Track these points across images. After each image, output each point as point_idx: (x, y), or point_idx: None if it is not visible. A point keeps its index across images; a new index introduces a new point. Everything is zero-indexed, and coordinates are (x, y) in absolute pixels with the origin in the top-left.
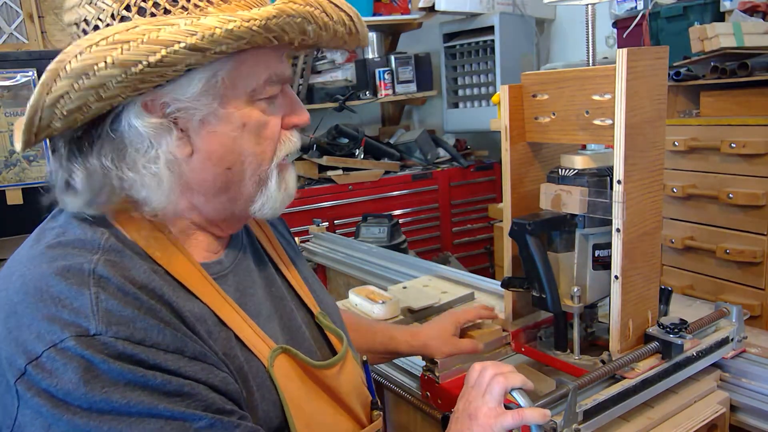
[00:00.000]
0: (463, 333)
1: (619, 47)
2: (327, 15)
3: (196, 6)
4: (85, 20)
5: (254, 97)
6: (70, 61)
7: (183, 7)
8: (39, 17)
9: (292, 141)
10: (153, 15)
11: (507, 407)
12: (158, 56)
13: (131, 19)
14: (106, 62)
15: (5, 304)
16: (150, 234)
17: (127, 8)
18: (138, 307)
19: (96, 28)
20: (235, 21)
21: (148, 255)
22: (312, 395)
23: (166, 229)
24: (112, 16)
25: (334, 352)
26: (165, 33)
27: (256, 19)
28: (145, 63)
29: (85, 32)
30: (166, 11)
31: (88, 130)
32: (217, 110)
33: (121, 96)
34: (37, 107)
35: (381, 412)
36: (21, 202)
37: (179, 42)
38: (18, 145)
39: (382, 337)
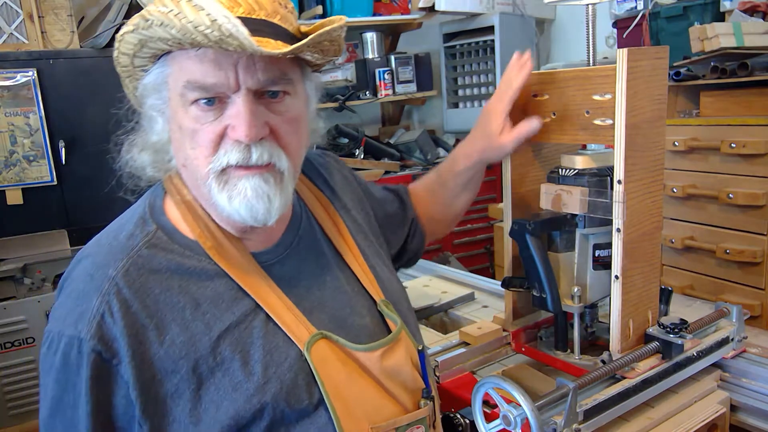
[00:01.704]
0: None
1: (619, 47)
2: (185, 17)
3: None
4: None
5: (184, 102)
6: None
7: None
8: (39, 17)
9: (228, 151)
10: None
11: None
12: (117, 45)
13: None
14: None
15: (67, 283)
16: (205, 226)
17: None
18: (128, 327)
19: None
20: (120, 33)
21: (200, 246)
22: (354, 378)
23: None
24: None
25: None
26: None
27: (122, 32)
28: (117, 45)
29: None
30: None
31: None
32: (166, 109)
33: (127, 80)
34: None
35: (430, 402)
36: (21, 202)
37: (119, 35)
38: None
39: (450, 182)
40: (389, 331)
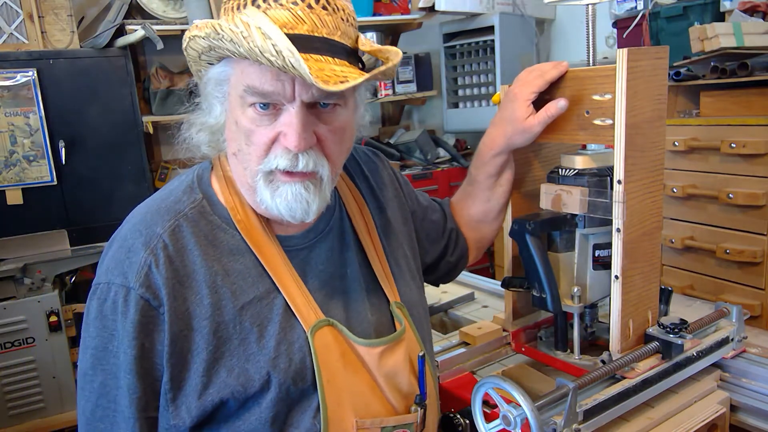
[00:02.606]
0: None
1: (619, 47)
2: (253, 41)
3: (258, 6)
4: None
5: (243, 102)
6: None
7: (256, 5)
8: (39, 17)
9: (278, 157)
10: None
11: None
12: (187, 39)
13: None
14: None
15: (118, 236)
16: (240, 202)
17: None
18: (170, 279)
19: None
20: (192, 32)
21: (231, 218)
22: (350, 369)
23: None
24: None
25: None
26: (202, 23)
27: (193, 34)
28: (187, 39)
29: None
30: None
31: None
32: (225, 102)
33: (195, 68)
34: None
35: (421, 410)
36: (21, 202)
37: (191, 34)
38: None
39: (480, 174)
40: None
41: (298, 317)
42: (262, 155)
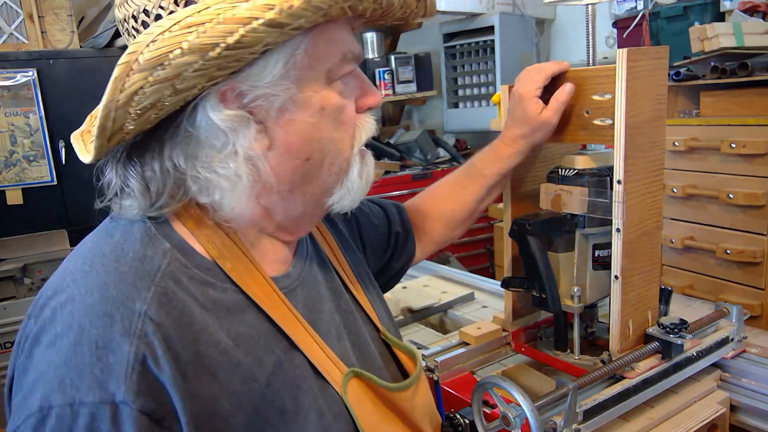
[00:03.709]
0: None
1: (619, 47)
2: None
3: None
4: (144, 11)
5: (331, 77)
6: (142, 52)
7: None
8: (39, 17)
9: (369, 124)
10: None
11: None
12: (237, 36)
13: (197, 2)
14: (181, 48)
15: (51, 329)
16: (222, 243)
17: None
18: (177, 374)
19: (158, 17)
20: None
21: (218, 266)
22: (387, 420)
23: (237, 238)
24: (175, 1)
25: (401, 370)
26: (241, 10)
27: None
28: (223, 45)
29: (145, 25)
30: None
31: (152, 131)
32: (295, 95)
33: (197, 87)
34: (110, 108)
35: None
36: (21, 202)
37: (257, 18)
38: (88, 157)
39: (488, 169)
40: (396, 362)
41: (324, 376)
42: (355, 131)
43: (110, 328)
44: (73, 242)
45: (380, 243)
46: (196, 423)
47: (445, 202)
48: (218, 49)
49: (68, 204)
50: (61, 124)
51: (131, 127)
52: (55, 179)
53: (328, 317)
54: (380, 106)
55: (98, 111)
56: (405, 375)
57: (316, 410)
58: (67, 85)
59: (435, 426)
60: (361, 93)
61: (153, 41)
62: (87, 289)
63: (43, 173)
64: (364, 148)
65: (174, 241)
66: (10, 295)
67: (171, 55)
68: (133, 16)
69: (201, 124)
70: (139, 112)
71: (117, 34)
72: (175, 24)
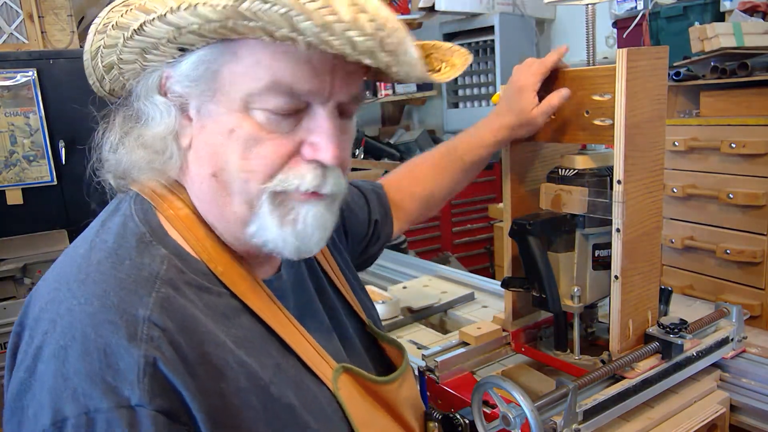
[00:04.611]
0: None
1: (619, 47)
2: (333, 13)
3: None
4: None
5: (250, 103)
6: (99, 16)
7: None
8: (39, 17)
9: (305, 175)
10: None
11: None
12: (138, 23)
13: None
14: (114, 24)
15: (52, 341)
16: (213, 247)
17: None
18: (188, 373)
19: None
20: (159, 6)
21: (211, 271)
22: (376, 413)
23: (227, 242)
24: None
25: (386, 363)
26: (151, 3)
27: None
28: (132, 29)
29: None
30: None
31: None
32: (208, 104)
33: (137, 63)
34: (86, 57)
35: (437, 423)
36: (21, 202)
37: (155, 11)
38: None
39: (468, 155)
40: (383, 353)
41: (317, 374)
42: (274, 172)
43: (116, 335)
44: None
45: (360, 231)
46: (211, 419)
47: (424, 184)
48: (130, 31)
49: (68, 204)
50: (61, 124)
51: (107, 79)
52: (55, 179)
53: (317, 316)
54: (337, 163)
55: None
56: (390, 367)
57: (316, 407)
58: (67, 85)
59: (418, 415)
60: (315, 140)
61: (108, 11)
62: (86, 299)
63: (43, 173)
64: (303, 197)
65: (170, 247)
66: (10, 295)
67: (108, 27)
68: None
69: (148, 102)
70: (104, 67)
71: None
72: (123, 3)
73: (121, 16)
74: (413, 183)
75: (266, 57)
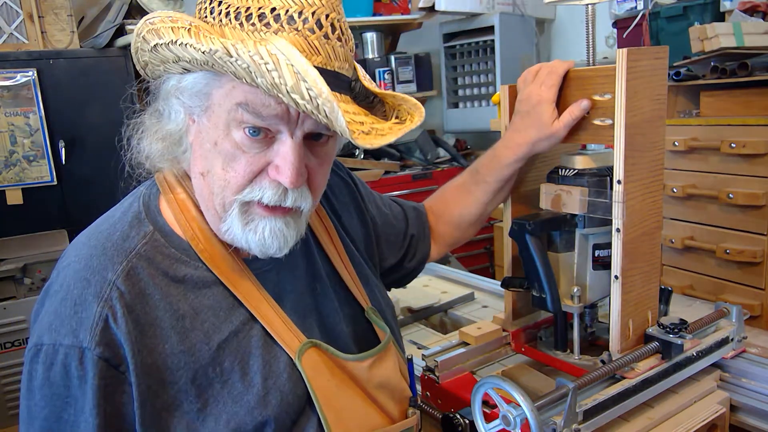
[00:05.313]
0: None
1: (619, 47)
2: (281, 77)
3: (252, 25)
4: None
5: (231, 124)
6: (141, 21)
7: (241, 24)
8: (39, 17)
9: (263, 190)
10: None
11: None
12: (153, 44)
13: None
14: (143, 35)
15: (55, 284)
16: (199, 228)
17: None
18: (132, 332)
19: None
20: (176, 36)
21: (192, 248)
22: (343, 387)
23: (213, 228)
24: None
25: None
26: (164, 29)
27: (201, 46)
28: (150, 45)
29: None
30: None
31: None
32: (202, 116)
33: (161, 68)
34: (131, 50)
35: (417, 410)
36: (21, 202)
37: (162, 38)
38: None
39: (491, 176)
40: (376, 339)
41: (281, 344)
42: (244, 184)
43: (86, 291)
44: None
45: (395, 240)
46: (144, 371)
47: (453, 206)
48: (151, 45)
49: (68, 204)
50: (61, 124)
51: (145, 71)
52: (55, 179)
53: (298, 297)
54: (295, 187)
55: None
56: None
57: (262, 374)
58: (67, 85)
59: (399, 399)
60: (279, 164)
61: (144, 21)
62: (79, 258)
63: (43, 173)
64: (263, 212)
65: (158, 224)
66: (10, 295)
67: (141, 35)
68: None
69: (162, 98)
70: (142, 62)
71: (117, 34)
72: (153, 17)
73: (147, 31)
74: (443, 207)
75: (241, 84)
